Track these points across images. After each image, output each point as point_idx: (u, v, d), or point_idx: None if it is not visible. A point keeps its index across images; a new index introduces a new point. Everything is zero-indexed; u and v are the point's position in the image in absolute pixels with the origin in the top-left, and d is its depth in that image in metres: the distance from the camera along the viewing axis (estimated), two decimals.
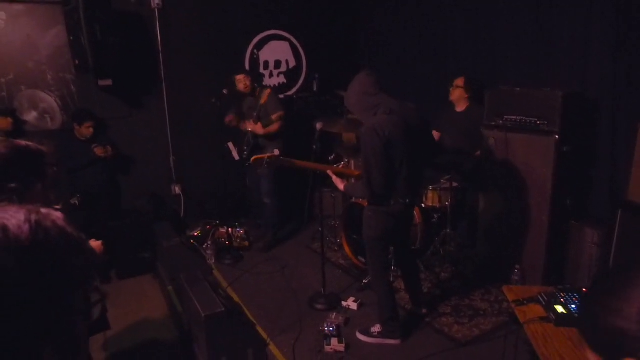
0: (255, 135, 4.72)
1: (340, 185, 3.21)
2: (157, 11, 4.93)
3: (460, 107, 4.30)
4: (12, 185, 1.39)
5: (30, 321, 0.55)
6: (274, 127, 4.67)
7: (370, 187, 2.87)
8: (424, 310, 3.54)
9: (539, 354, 1.89)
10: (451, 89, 4.29)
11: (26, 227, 0.57)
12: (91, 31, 4.05)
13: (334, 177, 3.25)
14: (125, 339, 3.49)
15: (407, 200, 3.06)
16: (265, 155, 3.28)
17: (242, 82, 4.65)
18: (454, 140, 4.27)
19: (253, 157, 3.32)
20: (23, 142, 1.55)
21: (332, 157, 4.76)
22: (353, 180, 3.51)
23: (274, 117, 4.65)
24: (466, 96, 4.24)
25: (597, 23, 3.51)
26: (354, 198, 4.34)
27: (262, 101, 4.65)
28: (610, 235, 3.27)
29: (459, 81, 4.23)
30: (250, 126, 4.69)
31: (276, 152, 3.36)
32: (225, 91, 4.47)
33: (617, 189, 3.52)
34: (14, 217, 0.58)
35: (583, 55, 3.64)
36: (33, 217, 0.59)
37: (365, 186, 2.89)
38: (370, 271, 3.33)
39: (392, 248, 3.54)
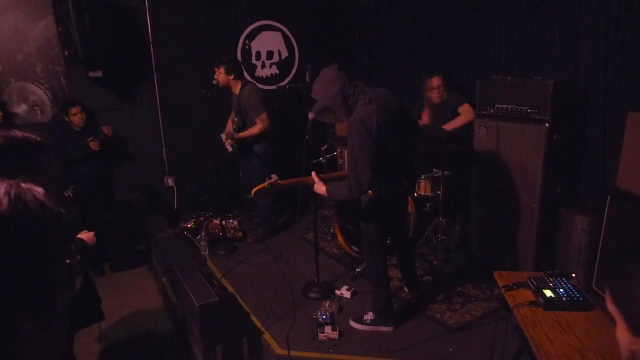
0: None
1: (322, 188, 3.01)
2: (147, 1, 4.89)
3: (437, 100, 4.37)
4: (22, 166, 1.38)
5: (11, 289, 0.57)
6: (253, 130, 4.45)
7: (357, 181, 2.78)
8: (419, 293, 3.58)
9: (527, 337, 1.92)
10: (429, 93, 4.34)
11: (5, 200, 0.60)
12: (81, 21, 4.03)
13: (317, 180, 3.07)
14: (120, 330, 3.51)
15: (406, 183, 3.10)
16: (265, 184, 3.17)
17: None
18: (433, 125, 4.32)
19: (254, 190, 3.19)
20: (20, 134, 1.56)
21: (325, 147, 4.78)
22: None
23: (256, 119, 4.43)
24: (446, 92, 4.31)
25: (588, 12, 3.52)
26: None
27: (239, 95, 4.47)
28: (600, 222, 3.31)
29: (436, 81, 4.27)
30: (231, 136, 4.55)
31: (274, 177, 3.29)
32: (215, 82, 4.43)
33: (606, 176, 3.56)
34: None
35: (574, 45, 3.66)
36: (13, 190, 0.61)
37: (352, 181, 2.80)
38: (366, 260, 3.35)
39: (388, 240, 3.55)
